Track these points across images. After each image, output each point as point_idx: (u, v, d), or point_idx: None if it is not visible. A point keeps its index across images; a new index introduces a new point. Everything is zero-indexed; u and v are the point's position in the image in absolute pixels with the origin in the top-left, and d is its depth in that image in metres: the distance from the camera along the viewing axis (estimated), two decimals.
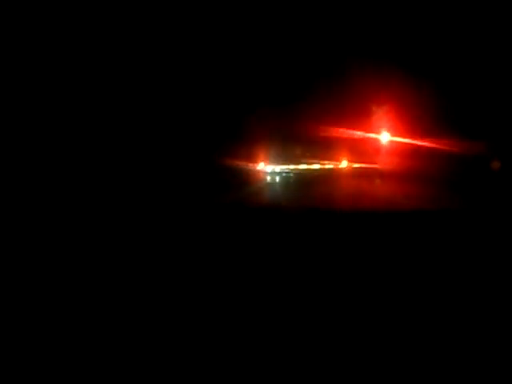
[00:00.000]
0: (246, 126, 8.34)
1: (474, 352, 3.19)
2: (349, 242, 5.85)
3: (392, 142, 8.79)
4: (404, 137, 8.51)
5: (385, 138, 8.89)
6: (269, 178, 11.09)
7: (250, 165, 10.33)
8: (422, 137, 8.24)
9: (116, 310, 3.69)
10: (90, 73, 7.44)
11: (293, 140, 9.48)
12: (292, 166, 10.52)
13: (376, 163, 9.23)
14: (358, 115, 8.69)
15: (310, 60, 8.22)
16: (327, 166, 10.08)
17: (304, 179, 10.55)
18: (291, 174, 10.73)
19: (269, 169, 10.75)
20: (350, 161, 9.94)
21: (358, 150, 9.28)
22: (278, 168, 10.75)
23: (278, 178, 10.98)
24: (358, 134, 8.94)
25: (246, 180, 10.20)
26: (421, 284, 4.36)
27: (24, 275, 4.48)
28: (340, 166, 10.04)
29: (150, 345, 3.20)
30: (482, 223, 6.25)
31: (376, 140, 8.98)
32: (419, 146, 8.27)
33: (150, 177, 7.63)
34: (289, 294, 4.16)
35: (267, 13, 7.75)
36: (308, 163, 10.28)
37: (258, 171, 10.75)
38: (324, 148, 9.57)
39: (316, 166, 10.28)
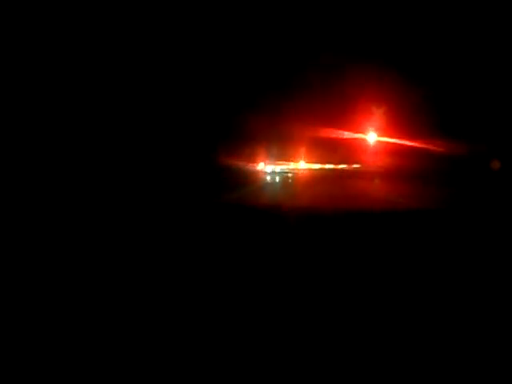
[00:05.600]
0: (245, 126, 8.37)
1: (473, 352, 3.20)
2: (347, 241, 5.87)
3: (391, 143, 8.83)
4: (403, 138, 8.55)
5: (384, 139, 8.93)
6: (269, 178, 11.14)
7: (250, 165, 10.38)
8: (421, 138, 8.28)
9: (113, 309, 3.72)
10: (90, 72, 7.47)
11: (293, 140, 9.51)
12: (292, 166, 10.56)
13: (376, 164, 9.27)
14: (358, 117, 8.73)
15: (310, 62, 8.26)
16: (327, 166, 10.11)
17: (304, 179, 10.60)
18: (291, 174, 10.77)
19: (269, 169, 10.79)
20: (349, 161, 9.97)
21: (358, 150, 9.31)
22: (278, 168, 10.79)
23: (277, 178, 11.03)
24: (358, 135, 8.99)
25: (245, 180, 10.24)
26: (419, 282, 4.37)
27: (24, 275, 4.52)
28: (339, 166, 10.08)
29: (147, 344, 3.22)
30: (480, 222, 6.26)
31: (376, 141, 9.02)
32: (418, 147, 8.31)
33: (149, 176, 7.64)
34: (288, 294, 4.18)
35: (268, 15, 7.78)
36: (308, 163, 10.32)
37: (258, 171, 10.80)
38: (323, 148, 9.60)
39: (316, 166, 10.31)
